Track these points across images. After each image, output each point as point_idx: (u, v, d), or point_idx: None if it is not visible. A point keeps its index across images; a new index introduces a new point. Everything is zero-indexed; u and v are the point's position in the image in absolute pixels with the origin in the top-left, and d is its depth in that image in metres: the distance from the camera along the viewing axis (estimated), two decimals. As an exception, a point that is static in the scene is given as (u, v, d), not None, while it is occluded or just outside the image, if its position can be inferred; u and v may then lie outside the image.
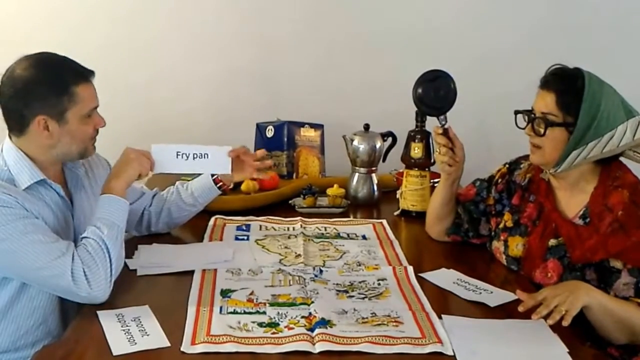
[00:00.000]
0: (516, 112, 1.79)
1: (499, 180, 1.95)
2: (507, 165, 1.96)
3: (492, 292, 1.69)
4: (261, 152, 2.05)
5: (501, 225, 1.91)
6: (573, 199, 1.77)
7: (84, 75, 1.68)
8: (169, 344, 1.42)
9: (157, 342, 1.43)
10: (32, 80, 1.62)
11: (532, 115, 1.74)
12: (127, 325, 1.49)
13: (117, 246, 1.64)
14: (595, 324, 1.58)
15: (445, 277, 1.78)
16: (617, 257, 1.64)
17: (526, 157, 1.89)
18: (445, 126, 1.92)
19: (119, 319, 1.52)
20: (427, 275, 1.79)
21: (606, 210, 1.68)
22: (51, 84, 1.63)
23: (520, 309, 1.53)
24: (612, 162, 1.74)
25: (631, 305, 1.60)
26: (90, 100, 1.69)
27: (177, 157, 1.88)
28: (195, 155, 1.89)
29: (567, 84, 1.69)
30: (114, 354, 1.39)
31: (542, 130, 1.70)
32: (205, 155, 1.90)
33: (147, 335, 1.46)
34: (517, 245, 1.84)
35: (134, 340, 1.43)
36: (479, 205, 1.99)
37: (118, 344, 1.42)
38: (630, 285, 1.62)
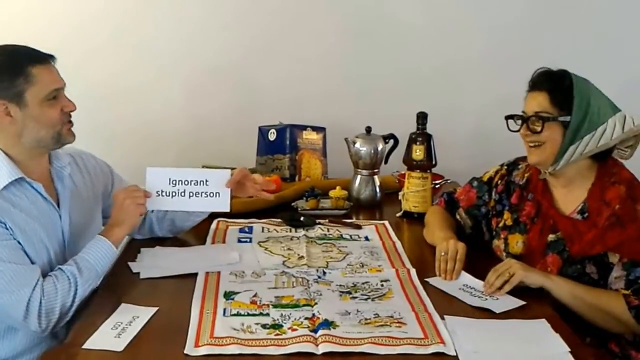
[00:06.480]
0: (507, 117, 1.84)
1: (499, 182, 1.98)
2: (505, 167, 1.99)
3: (497, 299, 1.66)
4: (260, 178, 2.00)
5: (501, 224, 1.94)
6: (570, 196, 1.80)
7: (41, 57, 1.64)
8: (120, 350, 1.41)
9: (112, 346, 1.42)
10: None
11: (526, 116, 1.78)
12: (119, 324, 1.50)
13: (86, 292, 1.63)
14: (577, 312, 1.65)
15: (452, 283, 1.75)
16: (614, 250, 1.68)
17: (524, 158, 1.92)
18: None
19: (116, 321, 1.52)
20: (433, 281, 1.76)
21: (604, 204, 1.73)
22: (5, 66, 1.61)
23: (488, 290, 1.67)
24: (608, 159, 1.78)
25: (606, 293, 1.66)
26: (50, 81, 1.64)
27: (171, 184, 1.82)
28: (194, 182, 1.82)
29: (556, 83, 1.75)
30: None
31: (539, 128, 1.74)
32: (204, 182, 1.83)
33: (118, 337, 1.45)
34: (517, 243, 1.87)
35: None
36: (482, 209, 2.01)
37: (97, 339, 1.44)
38: (622, 278, 1.66)
